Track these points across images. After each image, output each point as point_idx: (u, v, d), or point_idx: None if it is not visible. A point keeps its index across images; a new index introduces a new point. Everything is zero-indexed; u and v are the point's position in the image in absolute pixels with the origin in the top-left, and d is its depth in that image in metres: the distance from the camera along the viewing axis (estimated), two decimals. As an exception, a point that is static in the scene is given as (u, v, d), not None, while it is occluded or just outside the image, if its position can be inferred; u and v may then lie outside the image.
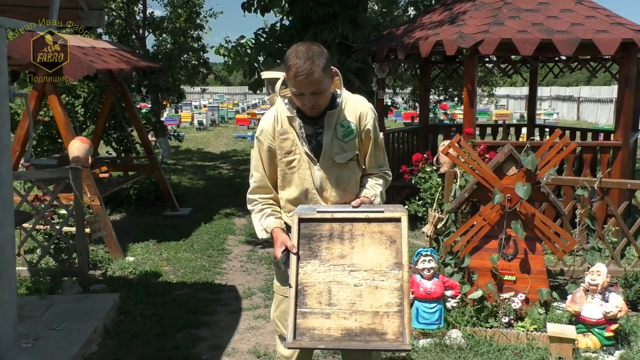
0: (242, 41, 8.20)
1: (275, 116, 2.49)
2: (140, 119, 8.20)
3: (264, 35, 8.45)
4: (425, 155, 5.68)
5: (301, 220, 2.33)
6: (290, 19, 8.42)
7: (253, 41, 8.31)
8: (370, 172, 2.59)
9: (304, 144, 2.45)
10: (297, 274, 2.27)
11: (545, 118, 22.40)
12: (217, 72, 16.06)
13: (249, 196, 2.61)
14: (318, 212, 2.35)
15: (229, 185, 10.63)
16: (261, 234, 2.54)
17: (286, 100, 2.49)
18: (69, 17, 4.23)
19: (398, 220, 2.31)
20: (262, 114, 20.40)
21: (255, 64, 8.13)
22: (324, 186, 2.47)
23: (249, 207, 2.62)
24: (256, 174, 2.57)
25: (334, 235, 2.32)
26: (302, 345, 2.22)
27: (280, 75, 2.57)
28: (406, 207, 6.08)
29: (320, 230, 2.32)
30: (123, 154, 9.07)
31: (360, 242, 2.30)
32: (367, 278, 2.25)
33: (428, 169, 5.51)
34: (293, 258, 2.29)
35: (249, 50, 8.07)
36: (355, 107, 2.50)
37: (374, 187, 2.54)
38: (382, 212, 2.33)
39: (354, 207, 2.39)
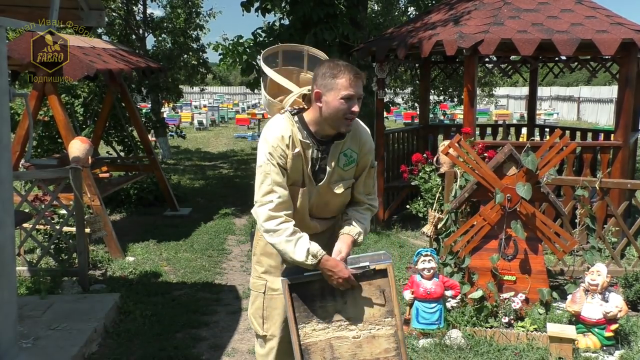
0: (240, 40, 8.21)
1: (292, 138, 2.41)
2: (140, 119, 8.20)
3: (263, 35, 8.46)
4: (425, 155, 5.67)
5: (291, 287, 2.42)
6: (290, 18, 8.42)
7: (251, 41, 8.31)
8: (358, 197, 2.60)
9: (308, 166, 2.47)
10: (298, 335, 2.40)
11: (545, 118, 22.41)
12: (217, 73, 16.05)
13: (271, 213, 2.36)
14: (305, 275, 2.42)
15: (229, 185, 10.64)
16: (308, 259, 2.34)
17: (296, 118, 2.45)
18: (69, 17, 4.22)
19: (384, 271, 2.45)
20: (262, 115, 20.07)
21: (254, 62, 8.13)
22: (313, 204, 2.52)
23: (272, 226, 2.36)
24: (279, 189, 2.38)
25: (326, 293, 2.44)
26: None
27: (292, 88, 2.53)
28: (408, 206, 6.08)
29: (312, 290, 2.44)
30: (130, 154, 9.05)
31: (351, 296, 2.44)
32: (364, 329, 2.44)
33: (428, 169, 5.51)
34: (291, 320, 2.40)
35: (248, 50, 8.08)
36: (361, 136, 2.54)
37: (358, 224, 2.54)
38: (368, 266, 2.44)
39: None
